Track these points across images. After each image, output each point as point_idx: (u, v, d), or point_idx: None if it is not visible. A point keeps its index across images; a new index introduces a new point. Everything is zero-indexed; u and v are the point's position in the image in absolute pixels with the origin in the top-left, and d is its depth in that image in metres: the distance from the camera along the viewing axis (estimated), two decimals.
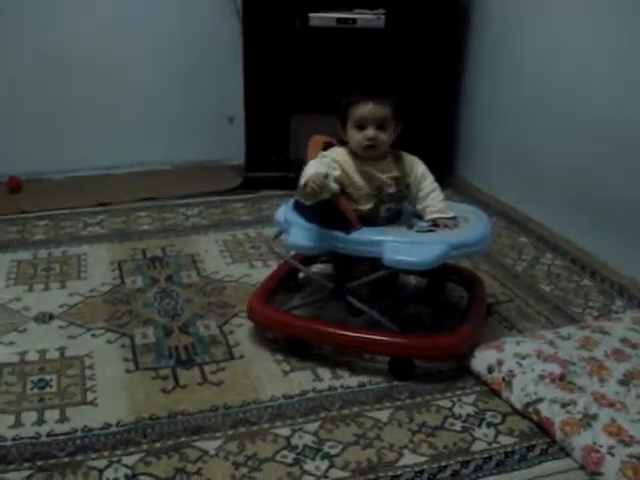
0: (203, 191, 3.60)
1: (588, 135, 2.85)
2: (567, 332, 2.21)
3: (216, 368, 2.12)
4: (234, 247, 2.98)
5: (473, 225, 2.19)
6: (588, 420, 1.81)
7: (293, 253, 2.43)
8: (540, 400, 1.89)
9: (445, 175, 3.68)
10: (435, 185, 2.21)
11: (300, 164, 3.47)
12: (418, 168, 2.21)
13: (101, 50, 3.69)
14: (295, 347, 2.18)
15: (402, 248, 2.01)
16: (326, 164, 2.07)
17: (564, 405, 1.87)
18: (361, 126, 2.10)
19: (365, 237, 2.07)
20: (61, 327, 2.34)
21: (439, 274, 2.47)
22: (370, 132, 2.09)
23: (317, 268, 2.61)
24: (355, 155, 2.14)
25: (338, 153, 2.15)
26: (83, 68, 3.68)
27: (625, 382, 1.97)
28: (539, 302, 2.56)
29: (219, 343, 2.25)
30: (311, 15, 3.45)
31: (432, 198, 2.19)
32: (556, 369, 1.99)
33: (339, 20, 3.45)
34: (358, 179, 2.12)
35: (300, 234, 2.12)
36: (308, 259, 2.53)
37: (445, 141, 3.75)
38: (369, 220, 2.14)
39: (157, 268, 2.78)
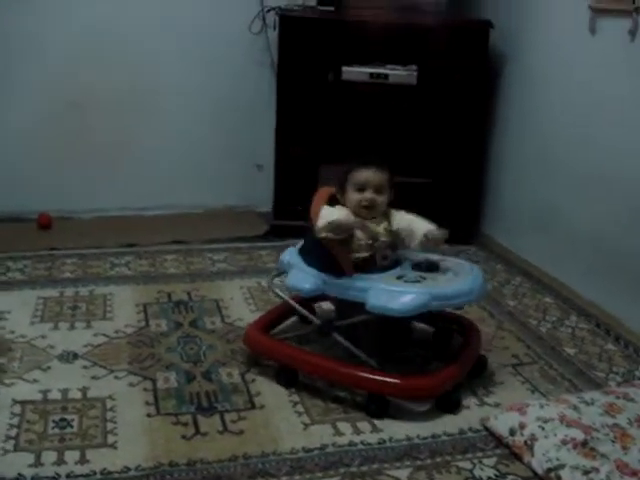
0: (230, 236, 3.63)
1: (616, 199, 2.86)
2: (591, 397, 2.19)
3: (237, 417, 2.12)
4: (258, 295, 3.00)
5: (461, 278, 2.27)
6: None
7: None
8: (562, 466, 1.87)
9: (471, 233, 3.72)
10: (417, 217, 2.37)
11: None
12: (398, 212, 2.38)
13: (135, 94, 3.77)
14: (282, 374, 2.31)
15: (384, 295, 2.14)
16: (340, 208, 2.30)
17: (586, 472, 1.85)
18: (360, 189, 2.31)
19: (353, 283, 2.23)
20: (85, 367, 2.36)
21: (442, 323, 2.58)
22: (368, 195, 2.30)
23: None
24: (354, 214, 2.32)
25: (342, 210, 2.32)
26: (116, 111, 3.76)
27: None
28: (563, 365, 2.54)
29: (240, 391, 2.26)
30: (344, 69, 3.51)
31: (417, 221, 2.34)
32: (579, 435, 1.97)
33: (372, 75, 3.51)
34: (357, 231, 2.29)
35: (298, 276, 2.31)
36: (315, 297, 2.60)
37: (472, 199, 3.76)
38: (367, 268, 2.28)
39: (182, 312, 2.80)
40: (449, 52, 3.56)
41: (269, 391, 2.25)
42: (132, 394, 2.22)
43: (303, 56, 3.53)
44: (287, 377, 2.31)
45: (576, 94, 3.11)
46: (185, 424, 2.07)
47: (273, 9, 3.63)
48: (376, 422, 2.13)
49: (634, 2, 2.73)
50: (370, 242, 2.30)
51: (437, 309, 2.31)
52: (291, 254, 2.44)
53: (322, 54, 3.54)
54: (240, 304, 2.90)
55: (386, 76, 3.52)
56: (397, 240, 2.37)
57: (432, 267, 2.31)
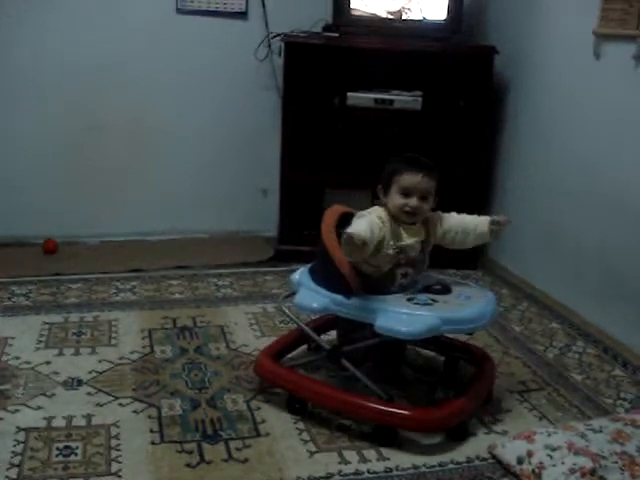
0: (235, 262, 3.63)
1: (623, 223, 2.85)
2: (599, 424, 2.17)
3: (242, 445, 2.10)
4: (264, 320, 2.99)
5: (473, 303, 2.21)
6: None
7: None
8: None
9: (477, 258, 3.71)
10: (461, 215, 2.35)
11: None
12: (439, 214, 2.33)
13: (139, 119, 3.79)
14: (292, 403, 2.27)
15: (394, 317, 2.09)
16: (370, 222, 2.13)
17: None
18: (406, 194, 2.19)
19: (362, 303, 2.17)
20: (89, 394, 2.35)
21: (452, 351, 2.51)
22: (414, 202, 2.19)
23: None
24: (392, 217, 2.22)
25: (380, 211, 2.23)
26: (120, 136, 3.78)
27: None
28: (570, 391, 2.52)
29: (246, 419, 2.24)
30: (349, 95, 3.53)
31: (468, 217, 2.34)
32: (587, 463, 1.95)
33: (377, 100, 3.53)
34: (388, 237, 2.19)
35: (306, 295, 2.27)
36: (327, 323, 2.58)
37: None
38: (384, 286, 2.22)
39: (187, 338, 2.79)
40: (454, 78, 3.58)
41: (274, 418, 2.24)
42: (137, 421, 2.20)
43: (308, 82, 3.55)
44: (296, 406, 2.27)
45: (581, 119, 3.11)
46: (190, 452, 2.05)
47: (278, 35, 3.65)
48: (382, 450, 2.10)
49: (638, 27, 2.74)
50: (397, 251, 2.20)
51: (447, 333, 2.26)
52: (301, 273, 2.40)
53: (327, 80, 3.57)
54: (245, 330, 2.89)
55: (391, 102, 3.53)
56: (424, 257, 2.29)
57: (444, 290, 2.26)
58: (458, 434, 2.17)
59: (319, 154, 3.65)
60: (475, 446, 2.15)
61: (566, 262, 3.20)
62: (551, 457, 1.98)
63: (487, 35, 3.80)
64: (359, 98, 3.54)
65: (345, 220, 2.27)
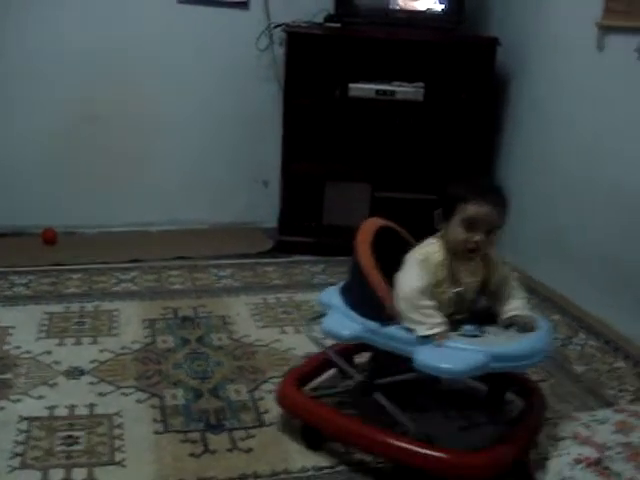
0: (235, 252, 3.62)
1: (625, 217, 2.85)
2: (603, 416, 2.16)
3: (245, 435, 2.10)
4: (265, 311, 2.98)
5: (526, 335, 1.93)
6: None
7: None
8: None
9: None
10: (516, 284, 2.03)
11: (336, 232, 3.51)
12: (502, 267, 2.02)
13: (141, 111, 3.77)
14: (308, 434, 2.07)
15: (435, 352, 1.82)
16: (425, 274, 1.89)
17: None
18: (470, 226, 1.89)
19: (399, 333, 1.90)
20: (91, 383, 2.34)
21: (498, 382, 2.23)
22: (478, 237, 1.88)
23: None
24: (449, 250, 1.94)
25: (433, 253, 1.93)
26: (120, 126, 3.77)
27: None
28: (573, 383, 2.52)
29: (249, 409, 2.24)
30: (351, 86, 3.51)
31: (512, 296, 1.99)
32: (592, 453, 1.94)
33: (378, 92, 3.51)
34: (446, 279, 1.93)
35: (335, 320, 2.02)
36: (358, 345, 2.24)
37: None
38: None
39: (188, 328, 2.78)
40: (456, 69, 3.57)
41: (278, 408, 2.21)
42: (139, 411, 2.20)
43: (310, 72, 3.54)
44: (312, 438, 2.06)
45: (584, 111, 3.11)
46: (194, 442, 2.05)
47: (280, 26, 3.64)
48: None
49: None
50: (454, 296, 1.94)
51: (497, 371, 1.91)
52: (331, 293, 2.13)
53: (329, 71, 3.55)
54: (247, 320, 2.88)
55: (393, 93, 3.52)
56: (481, 301, 2.01)
57: (493, 317, 1.99)
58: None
59: (320, 145, 3.64)
60: (478, 436, 2.13)
61: (567, 254, 3.20)
62: (556, 447, 1.97)
63: (490, 26, 3.79)
64: (361, 89, 3.52)
65: (385, 237, 2.06)
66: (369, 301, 1.95)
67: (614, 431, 2.07)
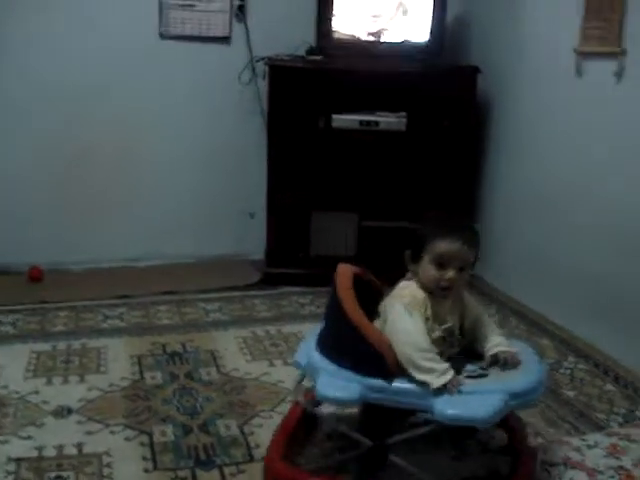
0: (223, 286, 3.61)
1: (608, 240, 2.87)
2: (594, 439, 2.17)
3: (236, 470, 2.08)
4: (254, 344, 2.97)
5: (527, 369, 1.89)
6: None
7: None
8: None
9: None
10: (491, 320, 2.04)
11: (324, 263, 3.51)
12: (474, 304, 2.01)
13: (126, 145, 3.78)
14: None
15: (456, 401, 1.73)
16: (419, 318, 1.85)
17: None
18: (441, 264, 1.86)
19: (409, 387, 1.78)
20: (79, 422, 2.32)
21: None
22: (451, 274, 1.86)
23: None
24: (425, 290, 1.90)
25: (416, 293, 1.89)
26: (105, 162, 3.77)
27: None
28: (563, 407, 2.52)
29: (239, 444, 2.22)
30: (334, 117, 3.54)
31: (490, 332, 1.97)
32: (584, 478, 1.94)
33: (362, 122, 3.54)
34: (431, 318, 1.88)
35: (330, 383, 1.82)
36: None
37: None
38: None
39: (177, 364, 2.77)
40: (438, 98, 3.60)
41: (268, 443, 2.20)
42: (128, 449, 2.18)
43: (293, 104, 3.56)
44: None
45: (564, 136, 3.15)
46: (184, 479, 2.03)
47: (262, 59, 3.67)
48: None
49: (619, 45, 2.77)
50: (444, 335, 1.89)
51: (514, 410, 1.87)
52: (309, 352, 1.94)
53: (312, 102, 3.58)
54: (235, 354, 2.86)
55: (376, 123, 3.55)
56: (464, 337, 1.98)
57: (478, 355, 1.95)
58: None
59: (305, 176, 3.65)
60: (472, 466, 2.11)
61: (553, 278, 3.22)
62: (549, 472, 1.97)
63: (470, 55, 3.83)
64: (344, 120, 3.55)
65: (360, 284, 1.95)
66: (366, 358, 1.81)
67: (605, 455, 2.07)
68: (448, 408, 1.71)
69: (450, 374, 1.77)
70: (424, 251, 1.88)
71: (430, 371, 1.77)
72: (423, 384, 1.76)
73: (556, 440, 2.22)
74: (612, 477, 1.97)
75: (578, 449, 2.09)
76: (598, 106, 2.94)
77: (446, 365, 1.79)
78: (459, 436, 2.15)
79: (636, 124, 2.74)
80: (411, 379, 1.78)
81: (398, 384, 1.79)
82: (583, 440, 2.16)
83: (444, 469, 2.02)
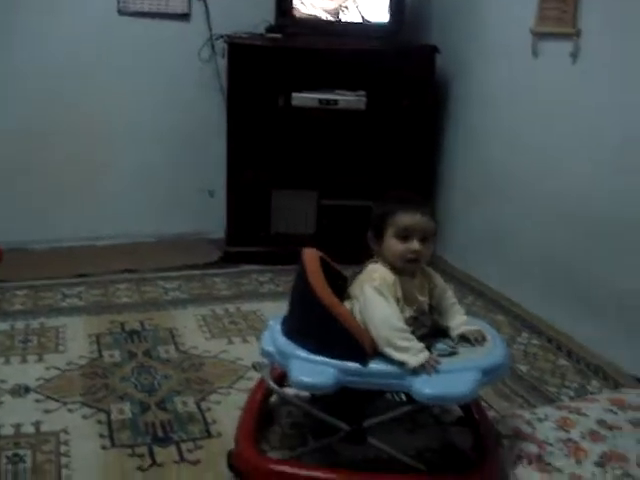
0: (183, 264, 3.62)
1: (565, 218, 2.92)
2: (544, 412, 2.21)
3: (193, 446, 2.10)
4: (213, 322, 2.98)
5: (492, 345, 1.93)
6: None
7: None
8: None
9: None
10: (455, 299, 2.06)
11: (281, 241, 3.53)
12: (438, 279, 2.04)
13: (85, 124, 3.75)
14: None
15: (434, 380, 1.75)
16: (391, 299, 1.86)
17: None
18: (404, 237, 1.88)
19: (385, 368, 1.79)
20: (37, 401, 2.32)
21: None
22: (415, 245, 1.87)
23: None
24: (393, 270, 1.91)
25: (386, 275, 1.89)
26: (67, 143, 3.74)
27: (601, 464, 1.97)
28: (516, 381, 2.57)
29: (196, 420, 2.23)
30: (294, 95, 3.54)
31: (455, 311, 2.02)
32: (533, 449, 1.99)
33: (321, 101, 3.54)
34: (402, 299, 1.89)
35: (304, 370, 1.79)
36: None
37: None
38: None
39: (135, 342, 2.77)
40: (397, 77, 3.62)
41: (225, 419, 2.23)
42: (86, 427, 2.18)
43: (253, 83, 3.55)
44: None
45: (521, 115, 3.18)
46: (141, 455, 2.05)
47: (221, 37, 3.65)
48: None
49: (574, 26, 2.81)
50: (415, 315, 1.92)
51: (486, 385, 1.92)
52: (276, 338, 1.91)
53: (271, 80, 3.57)
54: (194, 332, 2.87)
55: (335, 102, 3.55)
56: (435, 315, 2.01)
57: (442, 332, 1.99)
58: None
59: (265, 155, 3.65)
60: (426, 438, 2.16)
61: (509, 256, 3.27)
62: (500, 444, 2.02)
63: (429, 34, 3.85)
64: (304, 98, 3.55)
65: (326, 267, 1.95)
66: (341, 341, 1.80)
67: (555, 427, 2.12)
68: (426, 387, 1.74)
69: (426, 353, 1.80)
70: (386, 227, 1.90)
71: (407, 350, 1.78)
72: (401, 364, 1.78)
73: (508, 414, 2.26)
74: (561, 449, 2.02)
75: (529, 422, 2.13)
76: (554, 86, 2.97)
77: (421, 344, 1.82)
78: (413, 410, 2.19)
79: (590, 105, 2.78)
80: (387, 361, 1.79)
81: (375, 366, 1.79)
82: (534, 413, 2.21)
83: (400, 442, 2.06)
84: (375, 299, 1.84)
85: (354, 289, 1.94)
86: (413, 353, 1.78)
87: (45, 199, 3.76)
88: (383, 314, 1.82)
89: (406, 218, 1.88)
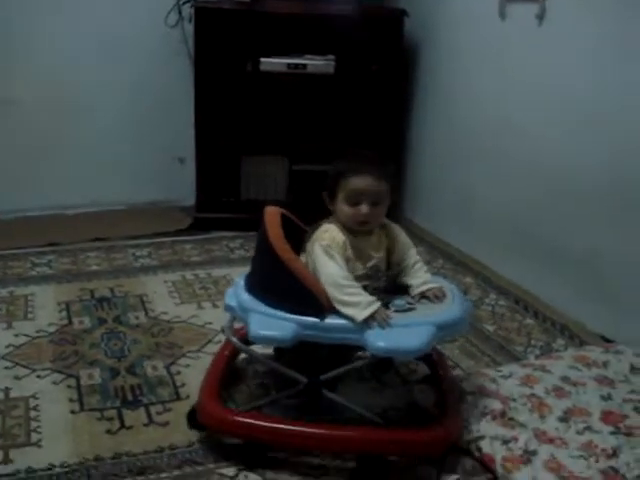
0: (153, 232, 3.61)
1: (531, 181, 2.95)
2: (509, 370, 2.26)
3: (162, 409, 2.12)
4: (183, 288, 2.99)
5: (450, 302, 1.95)
6: (528, 456, 1.86)
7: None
8: (482, 437, 1.93)
9: (392, 217, 3.73)
10: (418, 257, 2.06)
11: (251, 207, 3.53)
12: (402, 237, 2.05)
13: (53, 92, 3.70)
14: (248, 452, 1.91)
15: (388, 334, 1.78)
16: (338, 258, 1.86)
17: (505, 442, 1.91)
18: (355, 202, 1.88)
19: (341, 323, 1.81)
20: (6, 368, 2.32)
21: None
22: (364, 209, 1.88)
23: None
24: (347, 229, 1.92)
25: (335, 235, 1.90)
26: (35, 110, 3.69)
27: (565, 419, 2.02)
28: (483, 341, 2.61)
29: (166, 384, 2.25)
30: (262, 60, 3.52)
31: (417, 269, 2.02)
32: (497, 405, 2.03)
33: (289, 65, 3.53)
34: (353, 258, 1.91)
35: (263, 323, 1.82)
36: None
37: (392, 184, 3.81)
38: None
39: (105, 309, 2.77)
40: (365, 41, 3.61)
41: (194, 382, 2.22)
42: (55, 392, 2.19)
43: (220, 48, 3.53)
44: (258, 456, 1.91)
45: (489, 78, 3.19)
46: (110, 419, 2.06)
47: (188, 1, 3.61)
48: None
49: None
50: (370, 273, 1.94)
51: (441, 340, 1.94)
52: (239, 294, 1.94)
53: (239, 45, 3.54)
54: (164, 298, 2.88)
55: (304, 66, 3.54)
56: (394, 271, 2.03)
57: (403, 289, 2.00)
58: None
59: (234, 121, 3.64)
60: (392, 397, 2.19)
61: (478, 219, 3.30)
62: (464, 401, 2.05)
63: None
64: (272, 63, 3.53)
65: (288, 224, 1.96)
66: (299, 296, 1.83)
67: (519, 384, 2.17)
68: (380, 340, 1.76)
69: (375, 306, 1.81)
70: (338, 190, 1.90)
71: (354, 304, 1.80)
72: (352, 319, 1.80)
73: (473, 372, 2.31)
74: (525, 405, 2.07)
75: (494, 380, 2.18)
76: (522, 48, 2.98)
77: (371, 298, 1.83)
78: (378, 369, 2.23)
79: (557, 66, 2.79)
80: (344, 316, 1.82)
81: (331, 320, 1.82)
82: (499, 371, 2.26)
83: (365, 400, 2.09)
84: (322, 258, 1.86)
85: (309, 246, 1.96)
86: (361, 307, 1.80)
87: (12, 168, 3.72)
88: (328, 272, 1.84)
89: (357, 181, 1.88)
